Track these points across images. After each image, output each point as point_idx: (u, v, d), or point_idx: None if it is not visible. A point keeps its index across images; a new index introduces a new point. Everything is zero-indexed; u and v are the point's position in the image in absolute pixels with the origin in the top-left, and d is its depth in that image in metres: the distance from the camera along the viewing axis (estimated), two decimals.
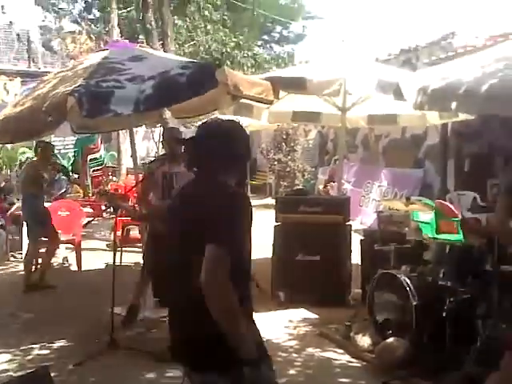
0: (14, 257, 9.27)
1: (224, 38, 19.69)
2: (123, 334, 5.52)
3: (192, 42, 19.69)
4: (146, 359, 5.00)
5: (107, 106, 4.81)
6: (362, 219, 11.71)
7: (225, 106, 6.56)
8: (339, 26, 49.26)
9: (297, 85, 6.41)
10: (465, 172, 10.36)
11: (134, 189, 6.96)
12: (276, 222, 6.74)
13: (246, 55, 19.59)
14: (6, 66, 22.35)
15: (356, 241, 6.77)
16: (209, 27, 19.77)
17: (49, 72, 10.11)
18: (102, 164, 16.20)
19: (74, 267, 8.66)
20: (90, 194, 14.61)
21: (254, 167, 17.14)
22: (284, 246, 6.63)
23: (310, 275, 6.38)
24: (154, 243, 5.62)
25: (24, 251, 8.26)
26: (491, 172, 9.22)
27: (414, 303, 4.69)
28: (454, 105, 4.68)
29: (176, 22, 17.99)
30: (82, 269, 8.43)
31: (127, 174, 15.70)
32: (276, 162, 15.75)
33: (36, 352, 5.34)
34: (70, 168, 14.75)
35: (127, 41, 8.39)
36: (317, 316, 6.12)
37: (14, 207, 9.58)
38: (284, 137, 15.63)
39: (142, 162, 12.30)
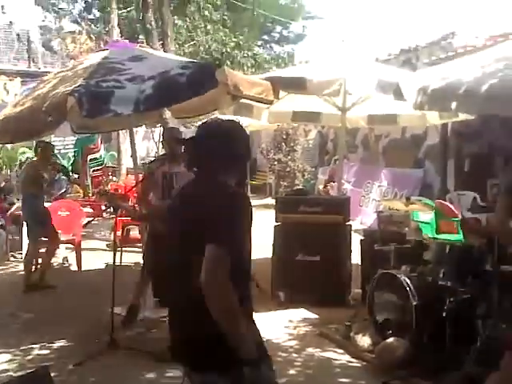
0: (14, 257, 9.27)
1: (224, 37, 19.69)
2: (123, 334, 5.52)
3: (192, 42, 19.68)
4: (145, 359, 5.00)
5: (107, 106, 4.81)
6: (362, 219, 11.71)
7: (225, 106, 6.56)
8: (339, 26, 49.29)
9: (297, 85, 6.41)
10: (465, 172, 10.36)
11: (134, 189, 6.96)
12: (276, 221, 6.74)
13: (246, 55, 19.59)
14: (6, 66, 22.35)
15: (356, 241, 6.77)
16: (209, 27, 19.76)
17: (49, 72, 10.10)
18: (102, 164, 16.20)
19: (74, 267, 8.66)
20: (90, 194, 14.61)
21: (253, 167, 17.14)
22: (284, 246, 6.63)
23: (310, 275, 6.38)
24: (154, 243, 5.62)
25: (24, 251, 8.26)
26: (491, 172, 9.22)
27: (414, 303, 4.69)
28: (454, 105, 4.68)
29: (176, 22, 17.99)
30: (82, 269, 8.44)
31: (127, 174, 15.69)
32: (276, 162, 15.75)
33: (36, 352, 5.34)
34: (70, 168, 14.75)
35: (127, 41, 8.39)
36: (317, 316, 6.12)
37: (14, 207, 9.59)
38: (284, 137, 15.63)
39: (142, 162, 12.30)
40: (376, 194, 12.06)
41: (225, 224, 2.37)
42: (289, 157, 15.59)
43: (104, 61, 5.76)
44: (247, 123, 9.55)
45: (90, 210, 11.45)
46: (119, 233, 8.56)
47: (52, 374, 3.39)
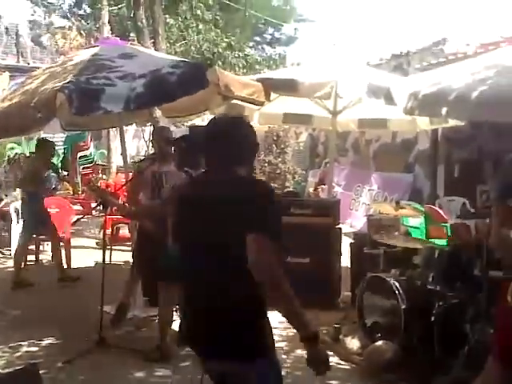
0: (2, 253, 9.22)
1: (216, 38, 19.65)
2: (112, 333, 5.52)
3: (183, 42, 19.62)
4: (134, 358, 5.02)
5: (97, 103, 4.79)
6: (352, 223, 11.72)
7: (215, 106, 6.51)
8: (331, 30, 49.44)
9: (288, 87, 6.43)
10: (454, 177, 10.41)
11: (123, 187, 6.93)
12: None
13: (237, 56, 19.58)
14: None
15: (346, 244, 6.79)
16: (200, 27, 19.69)
17: (38, 67, 10.04)
18: (91, 162, 16.07)
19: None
20: (80, 192, 14.52)
21: None
22: None
23: (299, 277, 6.35)
24: (144, 242, 5.60)
25: (13, 248, 8.21)
26: (481, 178, 9.27)
27: (403, 307, 4.72)
28: (444, 110, 4.72)
29: (167, 20, 17.92)
30: (72, 267, 8.39)
31: (117, 173, 15.62)
32: (266, 164, 15.70)
33: (25, 349, 5.33)
34: (59, 165, 14.65)
35: (118, 38, 8.35)
36: None
37: (2, 203, 9.52)
38: (275, 138, 15.60)
39: (132, 160, 12.24)
40: (366, 197, 12.09)
41: (272, 214, 2.46)
42: (279, 159, 15.56)
43: (94, 57, 5.73)
44: None
45: (80, 208, 11.41)
46: (109, 231, 8.52)
47: (41, 372, 3.38)
